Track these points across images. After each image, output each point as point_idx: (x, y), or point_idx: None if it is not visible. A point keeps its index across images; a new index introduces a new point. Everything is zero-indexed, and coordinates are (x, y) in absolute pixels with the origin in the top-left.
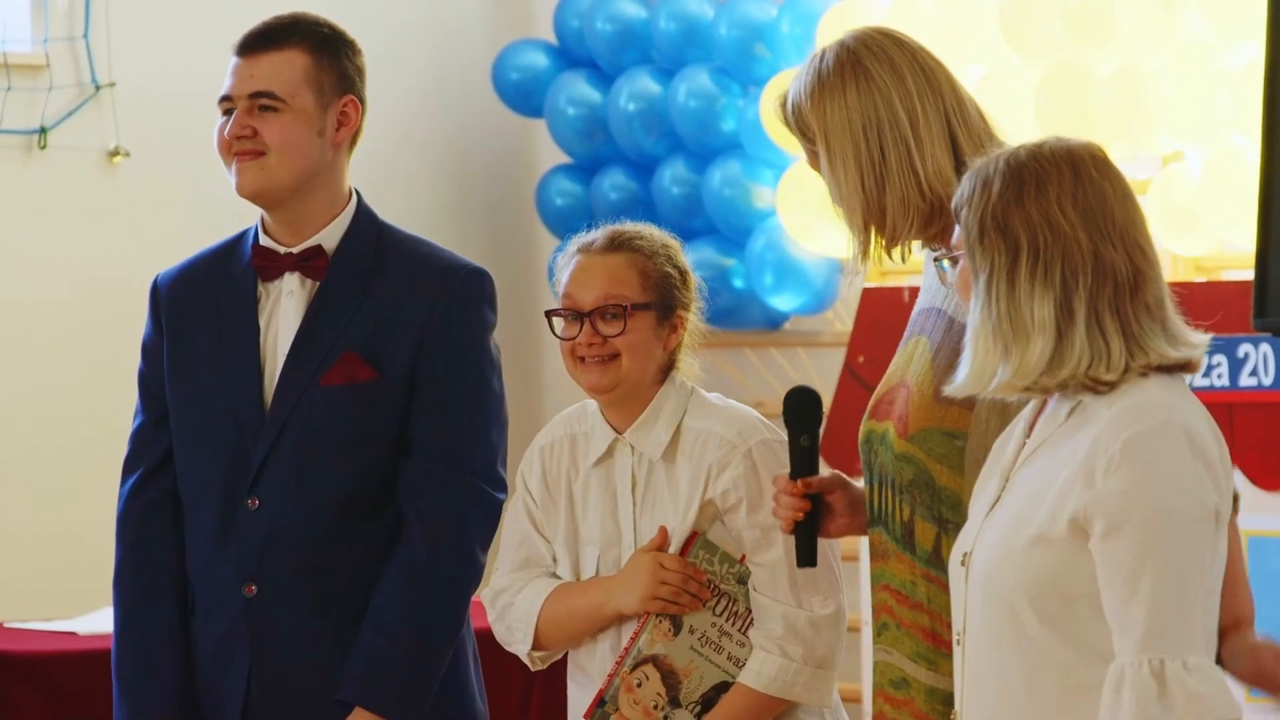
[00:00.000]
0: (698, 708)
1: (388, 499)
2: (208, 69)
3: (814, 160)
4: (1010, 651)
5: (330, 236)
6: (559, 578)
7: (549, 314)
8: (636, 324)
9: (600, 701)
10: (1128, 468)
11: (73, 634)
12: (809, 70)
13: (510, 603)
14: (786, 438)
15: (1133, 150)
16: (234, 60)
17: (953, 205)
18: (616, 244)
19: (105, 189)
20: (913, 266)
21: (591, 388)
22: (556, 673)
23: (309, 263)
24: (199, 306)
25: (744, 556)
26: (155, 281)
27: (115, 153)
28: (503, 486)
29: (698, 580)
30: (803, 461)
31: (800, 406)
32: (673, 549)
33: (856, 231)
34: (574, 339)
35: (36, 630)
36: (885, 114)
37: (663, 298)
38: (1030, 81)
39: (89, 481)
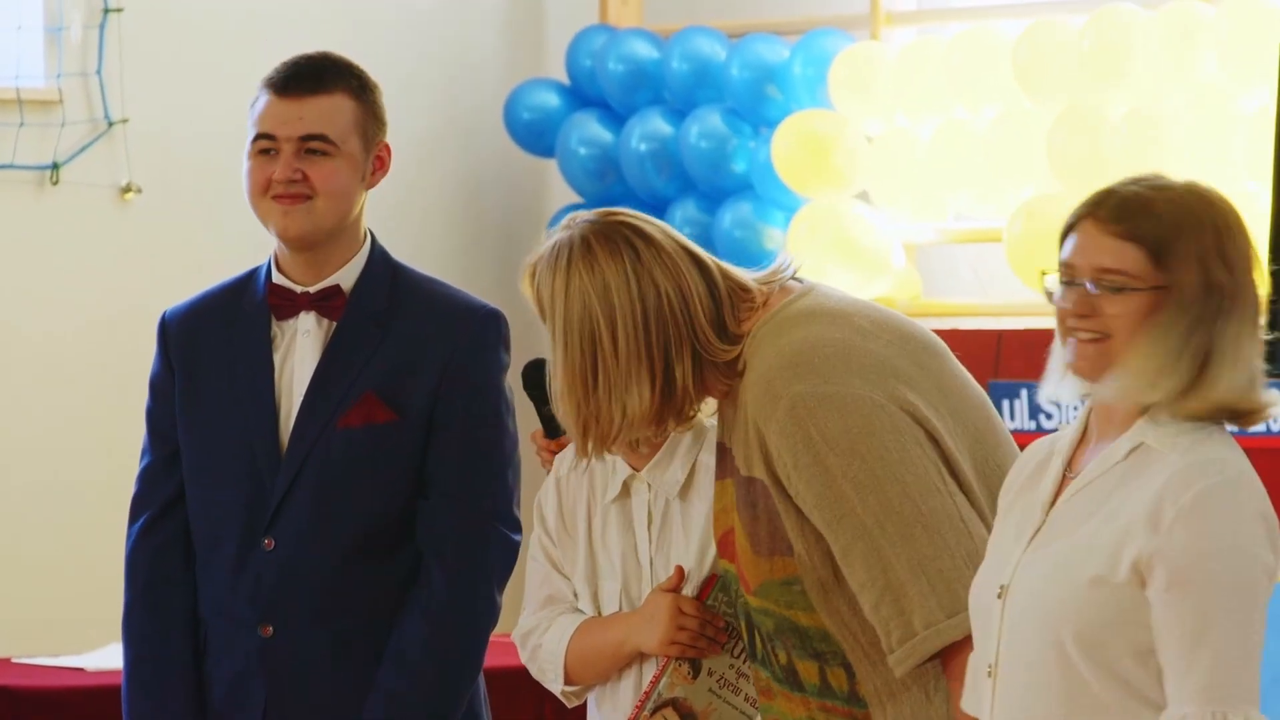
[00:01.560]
0: None
1: (405, 539)
2: (220, 106)
3: None
4: (1051, 686)
5: (347, 276)
6: (583, 612)
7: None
8: None
9: None
10: (1199, 521)
11: (81, 670)
12: (550, 261)
13: (539, 643)
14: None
15: None
16: (269, 98)
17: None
18: None
19: (117, 225)
20: (925, 309)
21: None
22: (565, 713)
23: (326, 302)
24: (210, 343)
25: None
26: (164, 318)
27: (127, 189)
28: (518, 527)
29: (715, 625)
30: (554, 424)
31: (536, 380)
32: (691, 591)
33: (573, 430)
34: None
35: (45, 665)
36: (594, 346)
37: None
38: (1043, 124)
39: (99, 517)
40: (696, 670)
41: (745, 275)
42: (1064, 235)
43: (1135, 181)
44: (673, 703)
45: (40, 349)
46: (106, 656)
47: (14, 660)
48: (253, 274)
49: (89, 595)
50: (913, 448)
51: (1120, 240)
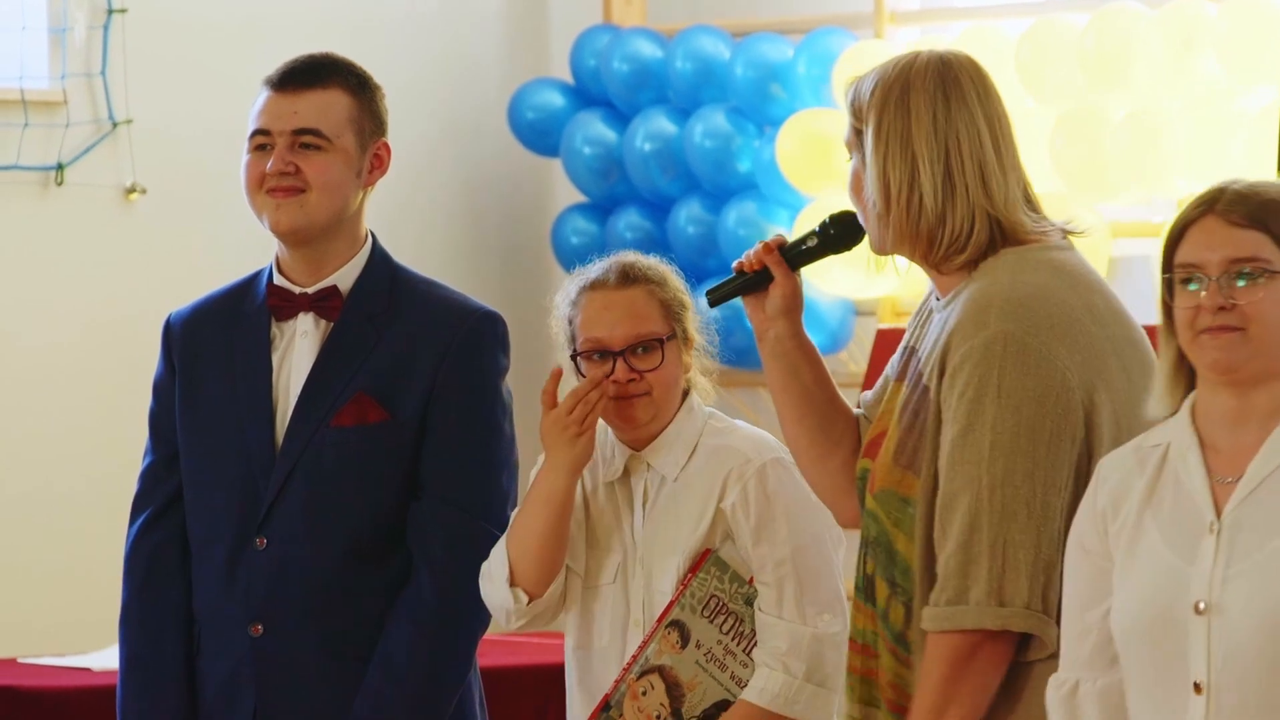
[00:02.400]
0: None
1: (398, 542)
2: (225, 107)
3: (857, 140)
4: None
5: (346, 277)
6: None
7: (574, 357)
8: (669, 355)
9: (605, 706)
10: None
11: (87, 670)
12: (898, 70)
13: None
14: None
15: (1147, 194)
16: (267, 94)
17: None
18: (631, 277)
19: (121, 226)
20: None
21: (631, 423)
22: (564, 714)
23: (324, 303)
24: (211, 346)
25: (753, 578)
26: (168, 320)
27: (132, 190)
28: None
29: (584, 398)
30: (796, 246)
31: (839, 222)
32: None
33: (882, 215)
34: (606, 379)
35: (51, 666)
36: (962, 144)
37: (681, 325)
38: (1046, 125)
39: (103, 518)
40: (685, 640)
41: (1039, 207)
42: (1172, 242)
43: (1231, 182)
44: (659, 669)
45: (44, 350)
46: (112, 656)
47: (20, 660)
48: (256, 276)
49: (94, 596)
50: (1066, 442)
51: (1248, 230)
